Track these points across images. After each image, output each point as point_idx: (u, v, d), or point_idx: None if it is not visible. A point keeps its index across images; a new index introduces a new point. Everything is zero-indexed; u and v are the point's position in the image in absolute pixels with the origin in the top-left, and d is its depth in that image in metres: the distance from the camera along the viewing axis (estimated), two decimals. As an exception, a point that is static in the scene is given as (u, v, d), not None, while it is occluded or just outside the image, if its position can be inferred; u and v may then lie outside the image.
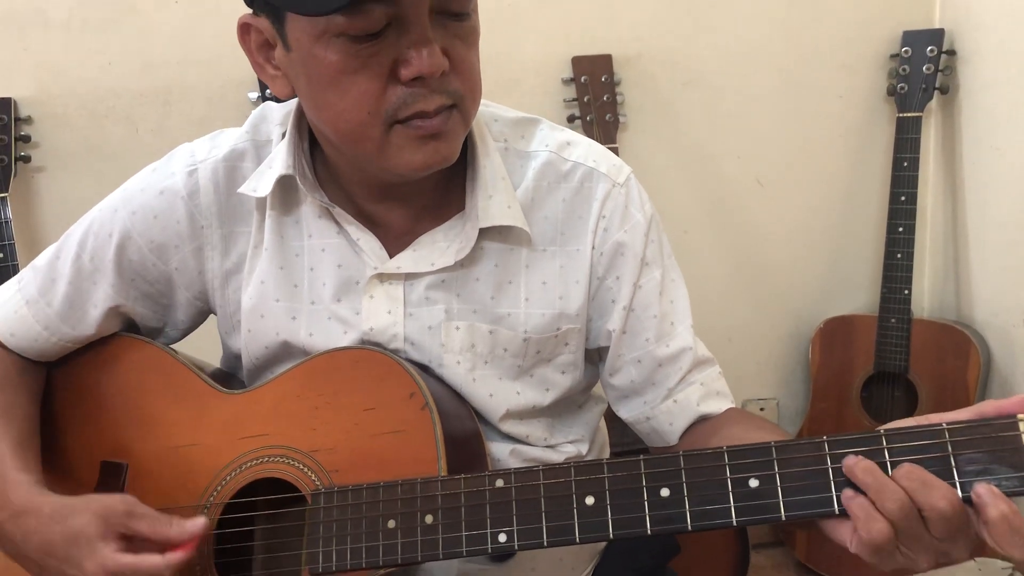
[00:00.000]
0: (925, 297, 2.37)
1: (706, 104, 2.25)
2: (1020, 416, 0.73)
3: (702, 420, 1.04)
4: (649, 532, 0.82)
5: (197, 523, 0.92)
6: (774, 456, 0.79)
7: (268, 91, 1.99)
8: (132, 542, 0.91)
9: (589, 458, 1.10)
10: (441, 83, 0.87)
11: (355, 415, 0.95)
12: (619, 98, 2.16)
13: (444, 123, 0.89)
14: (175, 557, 0.90)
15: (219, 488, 0.99)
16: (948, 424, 0.75)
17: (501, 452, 1.03)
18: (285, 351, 1.04)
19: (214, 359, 1.16)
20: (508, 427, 1.03)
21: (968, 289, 2.24)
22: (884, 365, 2.17)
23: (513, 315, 1.01)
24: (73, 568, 0.90)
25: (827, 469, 0.77)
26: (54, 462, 1.06)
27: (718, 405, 1.05)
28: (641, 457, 0.83)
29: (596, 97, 2.15)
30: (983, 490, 0.72)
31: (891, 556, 0.75)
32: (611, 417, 1.15)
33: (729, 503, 0.79)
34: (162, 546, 0.91)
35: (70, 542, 0.90)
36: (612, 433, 1.26)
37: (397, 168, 0.91)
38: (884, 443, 0.76)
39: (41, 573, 0.94)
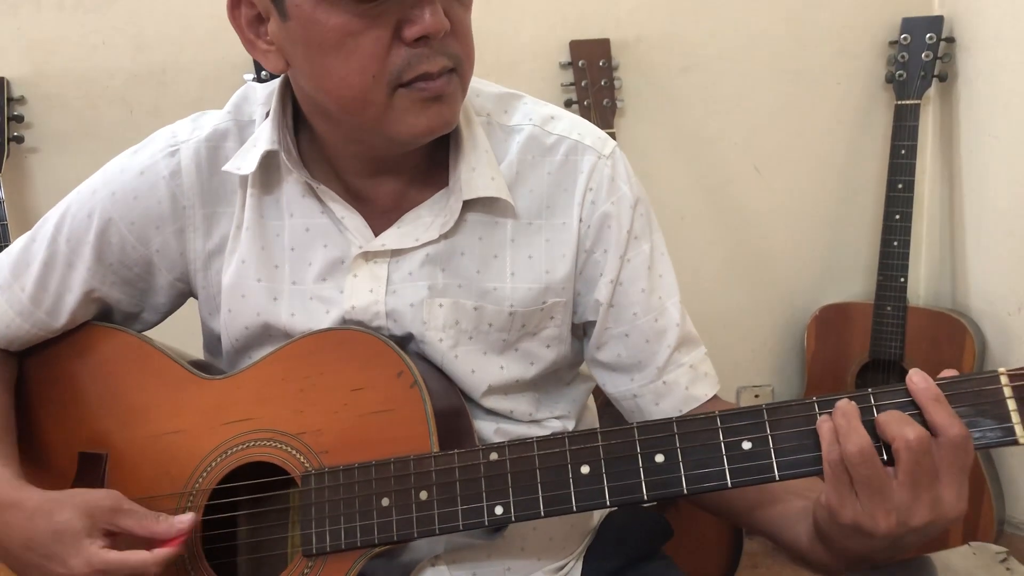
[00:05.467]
0: (921, 285, 2.36)
1: (704, 90, 2.24)
2: (1001, 371, 0.77)
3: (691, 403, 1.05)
4: (646, 497, 0.83)
5: (185, 519, 0.92)
6: (765, 418, 0.81)
7: (264, 72, 1.98)
8: (117, 538, 0.90)
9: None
10: (442, 45, 0.88)
11: (342, 396, 0.95)
12: (617, 83, 2.14)
13: (447, 85, 0.90)
14: (162, 553, 0.89)
15: (204, 475, 0.98)
16: (935, 381, 0.78)
17: (486, 431, 1.02)
18: (265, 332, 1.03)
19: (190, 349, 1.13)
20: (491, 403, 1.02)
21: (964, 277, 2.24)
22: (879, 353, 2.16)
23: (499, 289, 1.00)
24: (58, 564, 0.89)
25: (815, 430, 0.80)
26: (29, 455, 1.04)
27: (705, 389, 1.05)
28: (635, 424, 0.85)
29: (594, 82, 2.13)
30: (884, 417, 0.77)
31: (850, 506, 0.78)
32: (604, 403, 1.15)
33: (723, 466, 0.82)
34: (149, 542, 0.90)
35: (55, 538, 0.89)
36: (605, 423, 1.25)
37: (400, 134, 0.91)
38: (872, 401, 0.79)
39: (23, 569, 0.92)
